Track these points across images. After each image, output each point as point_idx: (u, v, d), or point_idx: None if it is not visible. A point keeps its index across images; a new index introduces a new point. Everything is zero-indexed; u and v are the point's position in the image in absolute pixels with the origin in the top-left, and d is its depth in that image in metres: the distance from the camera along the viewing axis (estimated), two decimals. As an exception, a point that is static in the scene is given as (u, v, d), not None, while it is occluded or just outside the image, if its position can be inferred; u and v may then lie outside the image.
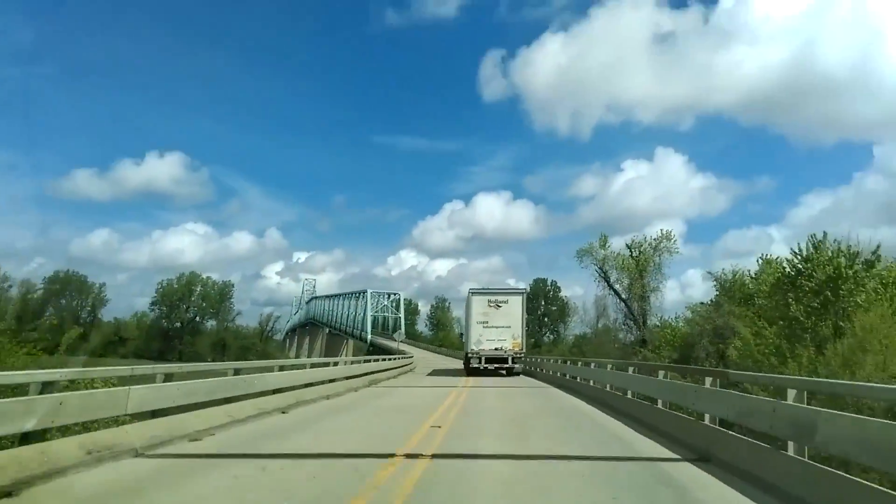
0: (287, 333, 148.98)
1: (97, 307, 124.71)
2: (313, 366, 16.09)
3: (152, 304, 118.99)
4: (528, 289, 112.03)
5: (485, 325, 29.57)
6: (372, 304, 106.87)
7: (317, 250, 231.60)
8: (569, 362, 23.90)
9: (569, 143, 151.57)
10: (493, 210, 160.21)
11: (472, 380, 24.62)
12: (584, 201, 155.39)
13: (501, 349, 29.15)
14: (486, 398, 16.04)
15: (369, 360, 23.43)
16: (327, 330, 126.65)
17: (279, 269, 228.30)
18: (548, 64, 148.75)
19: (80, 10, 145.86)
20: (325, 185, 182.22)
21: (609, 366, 16.12)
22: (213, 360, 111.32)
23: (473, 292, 31.53)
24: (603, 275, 52.53)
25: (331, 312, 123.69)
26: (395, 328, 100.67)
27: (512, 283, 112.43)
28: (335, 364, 17.65)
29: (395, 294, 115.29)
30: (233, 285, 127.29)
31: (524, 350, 30.26)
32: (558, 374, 23.92)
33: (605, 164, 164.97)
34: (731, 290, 49.00)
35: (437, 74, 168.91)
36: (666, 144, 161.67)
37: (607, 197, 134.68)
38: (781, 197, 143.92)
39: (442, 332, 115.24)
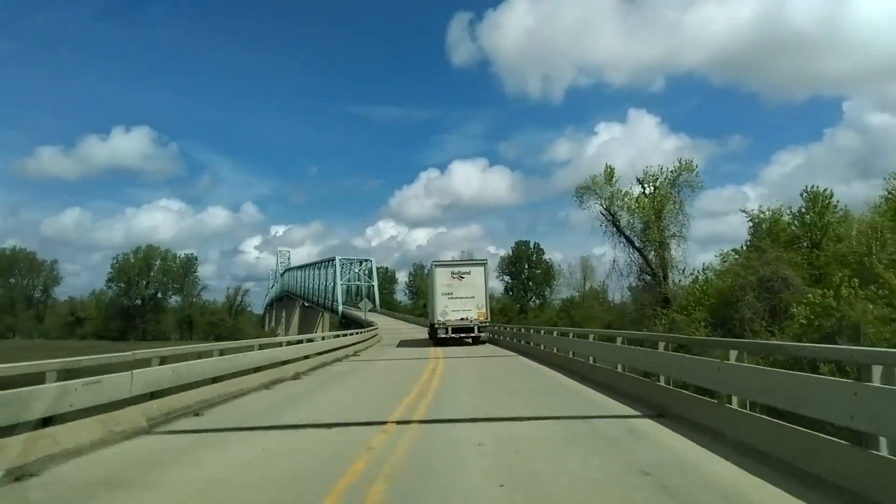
0: (265, 308, 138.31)
1: (49, 286, 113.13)
2: None
3: (109, 280, 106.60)
4: (511, 251, 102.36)
5: (450, 296, 29.45)
6: (342, 272, 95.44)
7: (294, 223, 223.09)
8: (592, 337, 14.28)
9: (541, 107, 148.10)
10: (469, 177, 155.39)
11: (437, 379, 13.34)
12: (559, 165, 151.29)
13: (467, 319, 28.99)
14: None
15: (250, 349, 12.13)
16: (302, 303, 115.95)
17: (257, 243, 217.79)
18: (516, 26, 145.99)
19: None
20: (298, 157, 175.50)
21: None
22: (175, 340, 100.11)
23: (437, 264, 31.87)
24: (611, 218, 40.88)
25: (303, 284, 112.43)
26: (370, 298, 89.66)
27: (492, 250, 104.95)
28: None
29: (366, 260, 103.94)
30: (196, 258, 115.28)
31: (489, 319, 30.28)
32: (554, 350, 17.78)
33: (579, 127, 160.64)
34: (774, 232, 38.11)
35: (406, 41, 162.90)
36: (638, 106, 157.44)
37: (583, 160, 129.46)
38: (755, 155, 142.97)
39: (422, 300, 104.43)
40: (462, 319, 28.81)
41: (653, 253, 40.05)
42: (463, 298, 29.17)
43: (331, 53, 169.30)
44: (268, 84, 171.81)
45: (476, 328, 28.97)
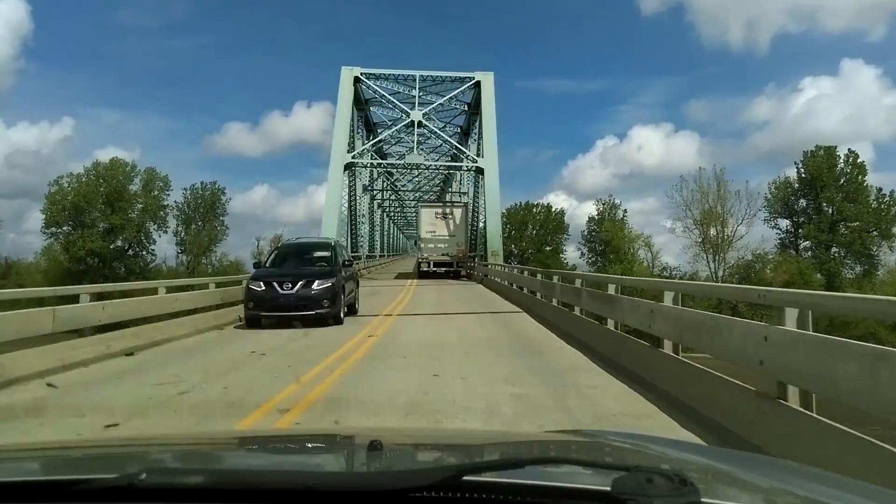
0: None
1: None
2: None
3: (44, 226, 52.90)
4: (798, 171, 52.93)
5: (433, 234, 31.53)
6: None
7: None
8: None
9: (741, 62, 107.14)
10: (651, 144, 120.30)
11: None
12: (756, 128, 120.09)
13: (448, 254, 31.38)
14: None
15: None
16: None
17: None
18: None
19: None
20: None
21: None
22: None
23: (422, 205, 35.71)
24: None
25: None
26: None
27: (668, 224, 66.54)
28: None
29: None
30: (223, 190, 59.40)
31: (468, 255, 32.43)
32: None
33: (782, 83, 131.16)
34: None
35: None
36: (854, 56, 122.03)
37: (784, 121, 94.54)
38: None
39: (619, 263, 47.86)
40: (443, 255, 31.13)
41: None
42: (445, 236, 31.34)
43: (505, 32, 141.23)
44: (441, 62, 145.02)
45: (455, 263, 31.19)
